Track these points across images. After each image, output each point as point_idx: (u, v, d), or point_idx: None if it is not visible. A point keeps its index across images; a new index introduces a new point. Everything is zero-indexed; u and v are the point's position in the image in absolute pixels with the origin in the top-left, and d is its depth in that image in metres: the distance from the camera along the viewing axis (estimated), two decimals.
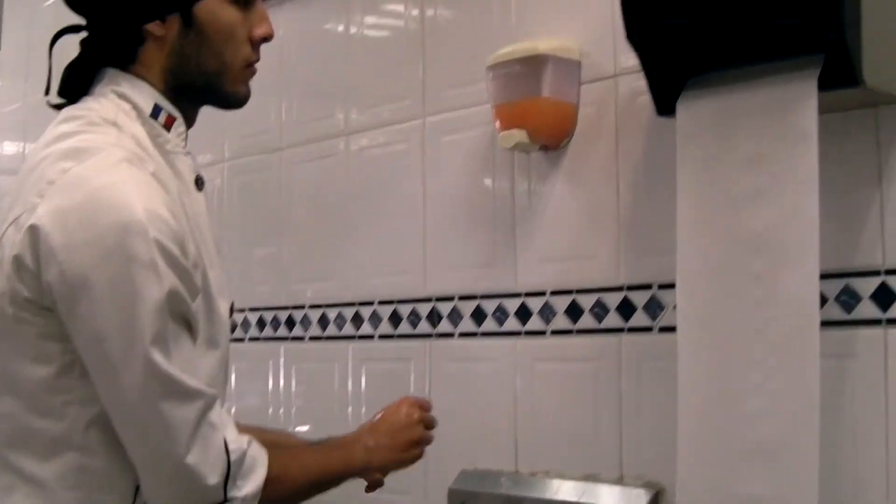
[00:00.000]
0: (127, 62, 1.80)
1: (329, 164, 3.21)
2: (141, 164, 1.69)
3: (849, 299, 2.18)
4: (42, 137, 1.77)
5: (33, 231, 1.61)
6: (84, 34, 1.85)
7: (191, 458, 1.65)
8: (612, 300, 2.53)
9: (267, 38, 1.86)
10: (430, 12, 3.03)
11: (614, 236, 2.55)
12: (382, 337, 3.06)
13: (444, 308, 2.90)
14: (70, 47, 1.88)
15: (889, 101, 2.13)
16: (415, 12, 3.06)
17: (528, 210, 2.73)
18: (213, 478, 1.67)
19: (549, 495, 2.53)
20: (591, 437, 2.55)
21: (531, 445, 2.66)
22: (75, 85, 1.82)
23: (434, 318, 2.93)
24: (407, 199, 3.02)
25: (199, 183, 1.84)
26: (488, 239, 2.82)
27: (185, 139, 1.84)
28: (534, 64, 2.59)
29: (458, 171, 2.90)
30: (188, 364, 1.66)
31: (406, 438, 2.10)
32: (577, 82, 2.63)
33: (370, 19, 3.23)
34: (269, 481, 1.77)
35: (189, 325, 1.69)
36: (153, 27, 1.77)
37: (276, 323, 3.37)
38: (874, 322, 2.14)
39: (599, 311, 2.55)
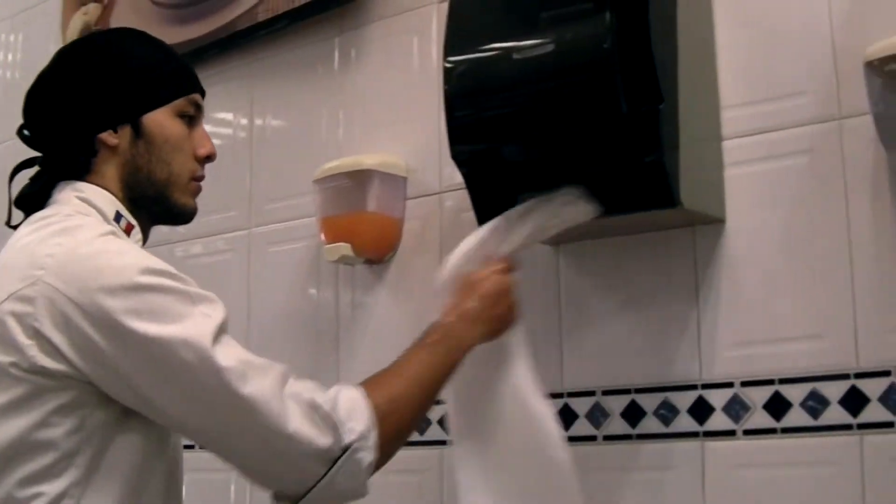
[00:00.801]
0: (83, 174, 1.84)
1: None
2: (126, 238, 1.77)
3: (667, 413, 2.23)
4: (9, 241, 1.77)
5: (50, 302, 1.61)
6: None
7: (291, 426, 1.62)
8: (434, 413, 2.54)
9: (210, 158, 1.95)
10: (258, 122, 3.05)
11: None
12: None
13: None
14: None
15: (705, 221, 2.20)
16: (244, 121, 3.07)
17: (352, 322, 2.75)
18: (321, 437, 1.65)
19: None
20: None
21: None
22: (34, 199, 1.84)
23: None
24: (232, 308, 2.97)
25: None
26: (312, 350, 2.82)
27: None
28: (360, 178, 2.63)
29: (283, 282, 2.91)
30: (244, 352, 1.67)
31: (505, 306, 2.03)
32: (402, 197, 2.67)
33: None
34: (381, 412, 1.73)
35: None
36: (106, 137, 1.83)
37: None
38: (691, 435, 2.19)
39: (422, 424, 2.56)
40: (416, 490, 2.55)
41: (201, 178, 1.95)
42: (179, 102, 1.89)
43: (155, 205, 1.88)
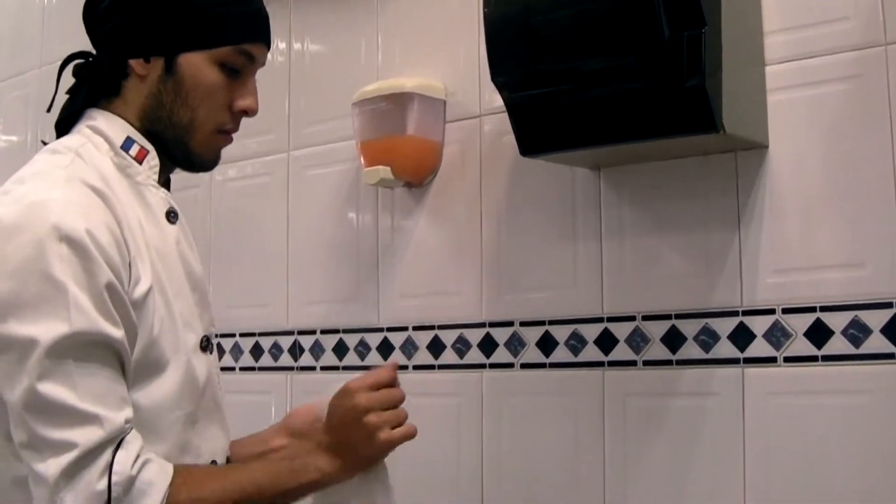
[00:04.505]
0: (111, 93, 1.79)
1: (193, 195, 3.18)
2: (80, 184, 1.65)
3: (708, 339, 2.23)
4: None
5: None
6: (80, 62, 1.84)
7: (64, 497, 1.51)
8: (474, 336, 2.56)
9: (248, 113, 1.83)
10: (297, 46, 3.04)
11: (477, 273, 2.57)
12: (244, 369, 3.05)
13: (307, 341, 2.90)
14: None
15: (747, 147, 2.19)
16: (282, 45, 3.06)
17: (392, 246, 2.75)
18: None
19: None
20: (454, 473, 2.58)
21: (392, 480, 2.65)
22: (64, 124, 1.80)
23: (296, 351, 2.92)
24: (271, 232, 3.02)
25: (170, 216, 1.80)
26: (351, 274, 2.83)
27: (158, 173, 1.80)
28: (399, 101, 2.62)
29: (322, 205, 2.91)
30: (90, 393, 1.54)
31: (362, 434, 1.79)
32: (441, 121, 2.66)
33: None
34: None
35: (109, 348, 1.59)
36: (136, 64, 1.76)
37: None
38: (732, 361, 2.19)
39: (461, 346, 2.57)
40: (454, 413, 2.57)
41: (231, 130, 1.83)
42: (224, 51, 1.77)
43: (171, 147, 1.80)
